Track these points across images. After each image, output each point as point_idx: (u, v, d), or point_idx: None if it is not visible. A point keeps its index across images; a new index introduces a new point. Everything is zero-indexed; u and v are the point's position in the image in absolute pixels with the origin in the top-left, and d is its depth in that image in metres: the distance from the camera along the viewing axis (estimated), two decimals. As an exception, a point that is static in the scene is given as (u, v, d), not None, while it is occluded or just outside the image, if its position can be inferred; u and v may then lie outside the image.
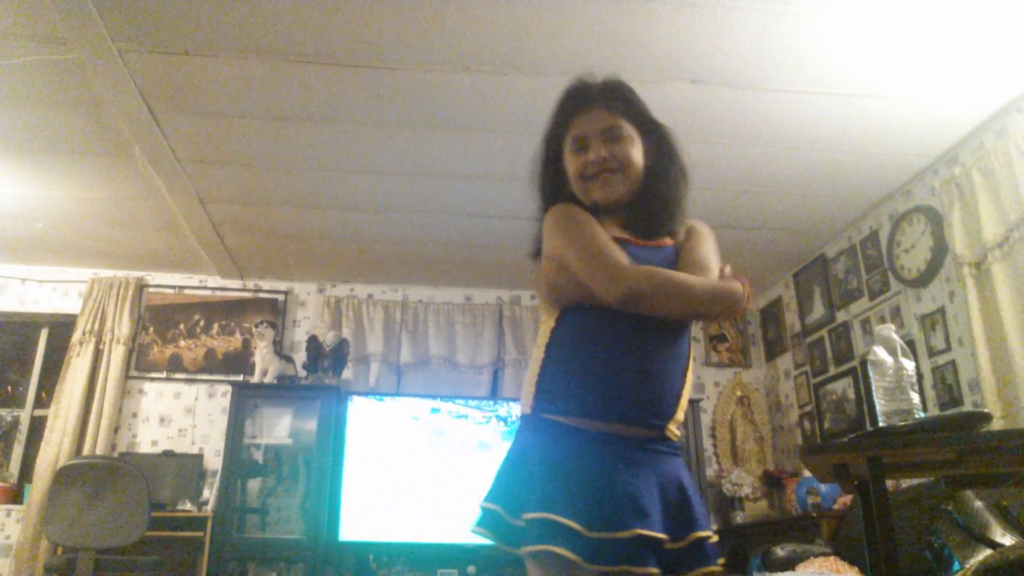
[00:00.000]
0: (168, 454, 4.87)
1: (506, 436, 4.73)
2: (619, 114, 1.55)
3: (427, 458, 4.65)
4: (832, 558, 3.42)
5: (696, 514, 1.36)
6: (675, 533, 1.32)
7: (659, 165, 1.57)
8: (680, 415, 1.44)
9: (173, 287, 5.39)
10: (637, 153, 1.54)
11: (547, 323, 1.49)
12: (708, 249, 1.53)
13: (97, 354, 5.00)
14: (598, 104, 1.56)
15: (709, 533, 1.36)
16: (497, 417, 4.81)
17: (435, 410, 4.80)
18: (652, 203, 1.54)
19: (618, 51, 3.06)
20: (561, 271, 1.46)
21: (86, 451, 4.73)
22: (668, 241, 1.55)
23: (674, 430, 1.43)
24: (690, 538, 1.33)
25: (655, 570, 1.27)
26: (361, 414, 4.72)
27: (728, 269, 1.50)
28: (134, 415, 5.06)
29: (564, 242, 1.45)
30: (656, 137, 1.59)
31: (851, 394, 4.54)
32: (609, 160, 1.51)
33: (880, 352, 1.89)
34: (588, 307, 1.42)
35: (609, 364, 1.38)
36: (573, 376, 1.40)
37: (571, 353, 1.42)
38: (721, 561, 1.38)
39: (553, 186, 1.60)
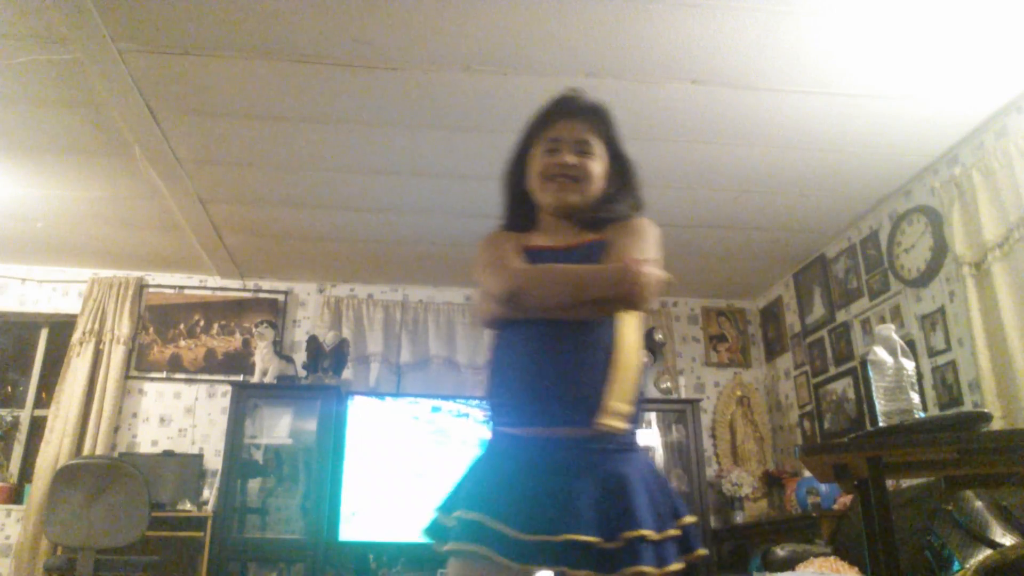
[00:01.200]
0: (168, 454, 4.87)
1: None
2: (596, 133, 1.62)
3: (428, 458, 4.65)
4: (832, 558, 3.42)
5: (636, 513, 1.33)
6: (609, 534, 1.30)
7: (616, 193, 1.63)
8: (614, 406, 1.40)
9: (173, 287, 5.39)
10: (600, 172, 1.60)
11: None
12: (634, 240, 1.53)
13: (97, 354, 5.00)
14: (580, 117, 1.63)
15: (646, 532, 1.31)
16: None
17: (436, 409, 4.80)
18: (595, 213, 1.60)
19: (618, 51, 3.06)
20: (481, 292, 1.55)
21: (86, 451, 4.73)
22: (594, 237, 1.57)
23: (613, 424, 1.40)
24: (623, 538, 1.30)
25: (588, 572, 1.27)
26: (361, 414, 4.72)
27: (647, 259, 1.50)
28: (134, 415, 5.06)
29: (479, 267, 1.54)
30: (622, 167, 1.66)
31: (851, 394, 4.54)
32: (573, 168, 1.57)
33: (880, 352, 1.89)
34: (509, 323, 1.49)
35: (526, 372, 1.44)
36: (503, 388, 1.47)
37: (499, 368, 1.50)
38: (681, 564, 1.35)
39: (514, 180, 1.67)
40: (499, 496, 1.34)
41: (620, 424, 1.41)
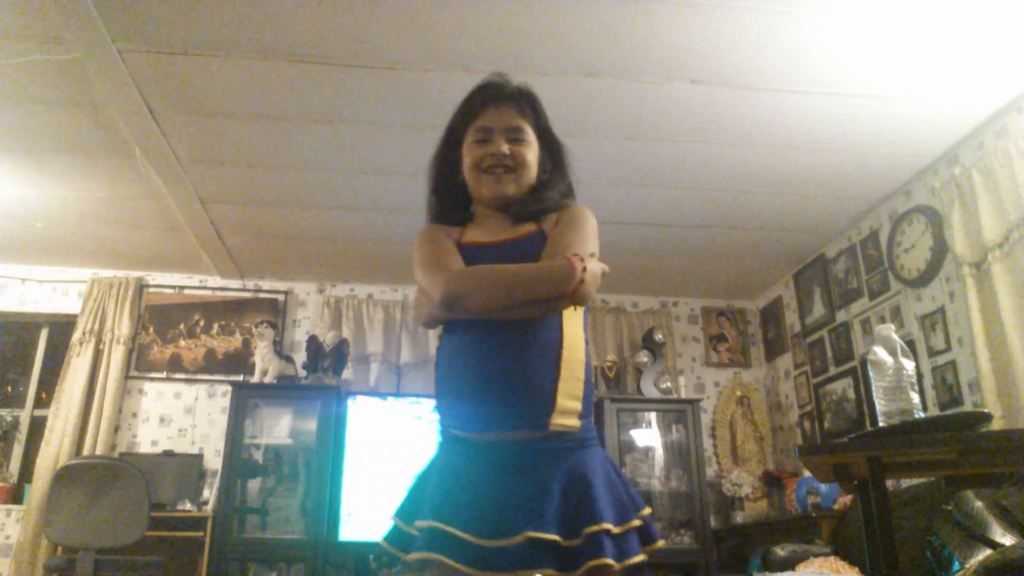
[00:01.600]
0: (168, 454, 4.87)
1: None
2: (526, 118, 1.59)
3: (428, 458, 4.64)
4: (832, 558, 3.42)
5: (596, 507, 1.32)
6: (570, 530, 1.30)
7: (550, 179, 1.61)
8: (566, 404, 1.39)
9: (173, 287, 5.39)
10: (533, 159, 1.57)
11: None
12: (572, 234, 1.48)
13: (97, 354, 5.00)
14: (509, 103, 1.60)
15: (607, 526, 1.30)
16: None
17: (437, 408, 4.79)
18: (529, 203, 1.57)
19: (618, 51, 3.06)
20: (419, 292, 1.52)
21: (86, 451, 4.73)
22: (531, 228, 1.54)
23: (566, 423, 1.39)
24: (584, 533, 1.29)
25: (550, 571, 1.27)
26: (362, 414, 4.72)
27: (585, 253, 1.44)
28: (134, 415, 5.06)
29: (416, 266, 1.51)
30: (553, 151, 1.63)
31: (851, 394, 4.54)
32: (507, 158, 1.54)
33: (880, 352, 1.89)
34: (455, 325, 1.47)
35: (474, 374, 1.41)
36: (451, 392, 1.45)
37: (446, 371, 1.47)
38: (642, 556, 1.35)
39: (444, 172, 1.63)
40: (456, 502, 1.33)
41: (572, 422, 1.40)
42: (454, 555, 1.28)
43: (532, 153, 1.57)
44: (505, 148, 1.53)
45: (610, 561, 1.28)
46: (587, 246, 1.47)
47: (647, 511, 1.41)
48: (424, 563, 1.31)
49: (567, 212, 1.55)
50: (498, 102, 1.59)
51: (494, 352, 1.40)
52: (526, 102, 1.61)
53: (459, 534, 1.28)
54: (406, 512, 1.42)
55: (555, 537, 1.28)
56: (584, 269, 1.37)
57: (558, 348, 1.42)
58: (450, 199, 1.63)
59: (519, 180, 1.55)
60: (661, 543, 1.41)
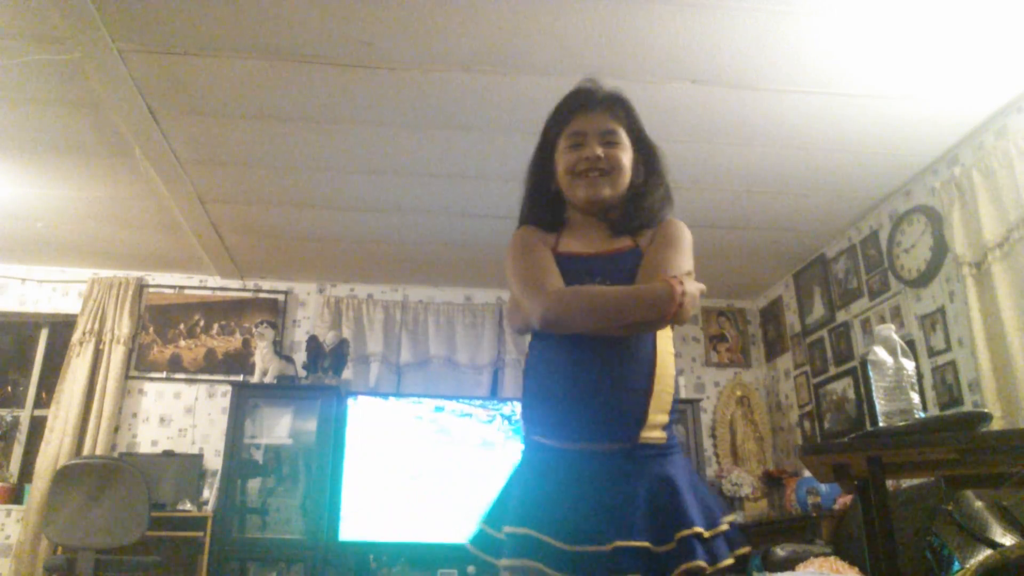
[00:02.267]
0: (168, 454, 4.87)
1: (510, 435, 4.74)
2: (619, 122, 1.59)
3: (428, 457, 4.65)
4: (832, 558, 3.42)
5: (686, 512, 1.34)
6: (660, 537, 1.31)
7: (646, 182, 1.60)
8: (656, 419, 1.41)
9: (173, 287, 5.39)
10: (628, 162, 1.57)
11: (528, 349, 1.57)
12: (669, 252, 1.49)
13: (97, 354, 5.00)
14: (601, 107, 1.59)
15: (697, 529, 1.32)
16: (501, 416, 4.81)
17: (439, 408, 4.80)
18: (628, 214, 1.56)
19: (618, 51, 3.07)
20: (514, 299, 1.54)
21: (86, 451, 4.73)
22: (628, 244, 1.54)
23: (654, 435, 1.41)
24: (676, 538, 1.31)
25: None
26: (362, 414, 4.72)
27: (682, 274, 1.44)
28: (134, 415, 5.06)
29: (511, 273, 1.52)
30: (648, 154, 1.62)
31: (851, 394, 4.54)
32: (601, 160, 1.53)
33: (880, 352, 1.88)
34: (547, 334, 1.46)
35: (566, 385, 1.42)
36: (542, 401, 1.46)
37: (538, 379, 1.48)
38: (731, 559, 1.35)
39: (540, 180, 1.63)
40: (546, 510, 1.35)
41: (659, 434, 1.41)
42: (546, 560, 1.29)
43: (626, 156, 1.57)
44: (599, 151, 1.53)
45: (703, 564, 1.29)
46: (683, 264, 1.47)
47: (733, 516, 1.42)
48: (517, 569, 1.33)
49: (663, 228, 1.55)
50: (590, 107, 1.59)
51: (588, 364, 1.41)
52: (618, 106, 1.61)
53: (550, 541, 1.30)
54: (494, 518, 1.42)
55: (645, 544, 1.29)
56: (683, 293, 1.37)
57: (652, 363, 1.43)
58: (545, 206, 1.63)
59: (614, 183, 1.54)
60: (747, 549, 1.40)
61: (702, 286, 1.45)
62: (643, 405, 1.40)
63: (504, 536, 1.36)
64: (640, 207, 1.56)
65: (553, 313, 1.39)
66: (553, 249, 1.54)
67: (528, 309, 1.43)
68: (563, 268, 1.48)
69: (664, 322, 1.40)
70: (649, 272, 1.44)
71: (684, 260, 1.48)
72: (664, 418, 1.42)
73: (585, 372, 1.41)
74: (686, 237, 1.53)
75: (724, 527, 1.37)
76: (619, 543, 1.28)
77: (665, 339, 1.48)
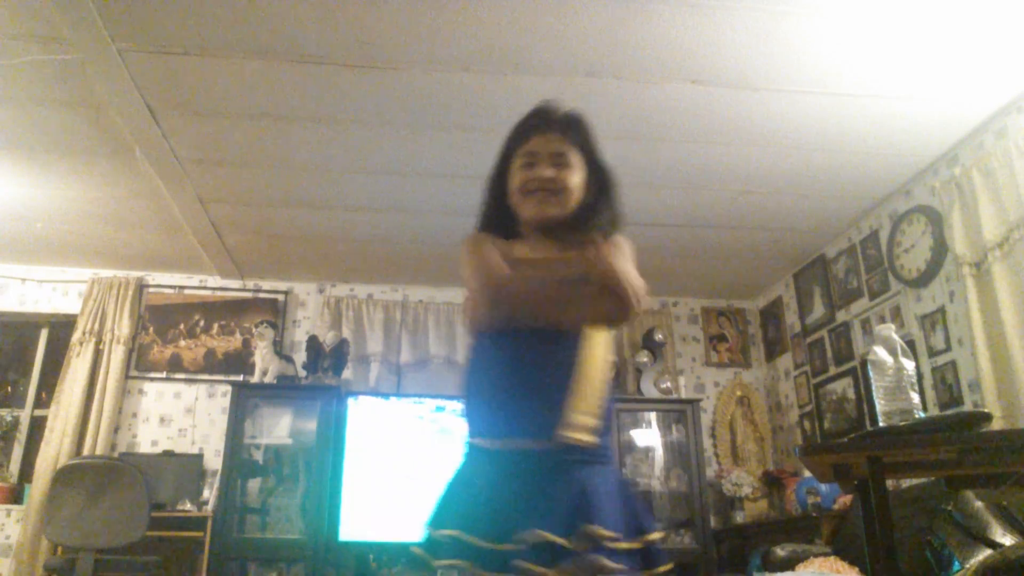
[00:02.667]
0: (168, 454, 4.87)
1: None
2: (572, 143, 1.63)
3: (428, 457, 4.65)
4: (832, 558, 3.42)
5: (603, 517, 1.34)
6: (574, 535, 1.32)
7: (595, 202, 1.63)
8: (581, 420, 1.42)
9: (173, 287, 5.39)
10: (578, 183, 1.61)
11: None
12: (616, 256, 1.56)
13: (97, 354, 5.00)
14: (556, 129, 1.64)
15: (607, 534, 1.32)
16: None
17: (440, 408, 4.80)
18: (575, 230, 1.60)
19: (618, 51, 3.06)
20: (469, 297, 1.61)
21: (86, 451, 4.73)
22: (571, 256, 1.59)
23: (578, 436, 1.42)
24: (587, 539, 1.32)
25: (551, 572, 1.30)
26: (362, 414, 4.72)
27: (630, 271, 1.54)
28: (134, 415, 5.06)
29: (465, 267, 1.58)
30: (600, 176, 1.65)
31: (851, 394, 4.54)
32: (551, 182, 1.58)
33: (880, 352, 1.89)
34: (484, 334, 1.54)
35: (495, 383, 1.49)
36: (474, 400, 1.53)
37: (472, 378, 1.55)
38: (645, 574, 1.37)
39: (495, 195, 1.68)
40: (473, 510, 1.40)
41: (586, 437, 1.43)
42: (474, 559, 1.34)
43: (576, 177, 1.60)
44: (549, 172, 1.58)
45: (613, 566, 1.31)
46: (629, 268, 1.54)
47: (656, 535, 1.42)
48: (449, 568, 1.39)
49: (608, 241, 1.59)
50: (545, 128, 1.64)
51: (517, 362, 1.47)
52: (573, 128, 1.65)
53: (475, 541, 1.35)
54: (435, 521, 1.47)
55: (562, 541, 1.31)
56: (625, 272, 1.50)
57: (577, 363, 1.47)
58: (500, 219, 1.67)
59: (562, 203, 1.59)
60: (665, 568, 1.41)
61: (647, 289, 1.54)
62: (562, 401, 1.43)
63: (437, 538, 1.42)
64: (587, 224, 1.60)
65: (503, 283, 1.49)
66: (504, 255, 1.58)
67: (477, 293, 1.53)
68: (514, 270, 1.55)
69: (613, 303, 1.49)
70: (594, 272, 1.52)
71: (632, 270, 1.55)
72: (591, 421, 1.44)
73: (514, 370, 1.47)
74: (631, 250, 1.60)
75: (636, 544, 1.38)
76: (537, 536, 1.31)
77: (598, 345, 1.52)
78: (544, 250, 1.61)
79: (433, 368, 5.30)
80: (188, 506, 4.53)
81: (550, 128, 1.64)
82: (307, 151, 3.82)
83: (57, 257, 5.16)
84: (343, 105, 3.43)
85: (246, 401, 4.69)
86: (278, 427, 4.80)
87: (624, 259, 1.56)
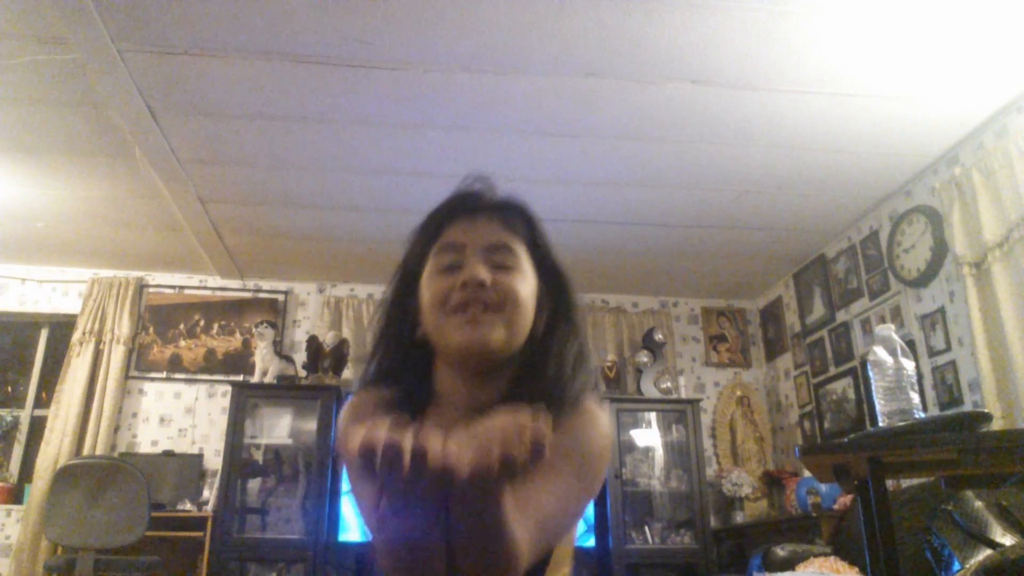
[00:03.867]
0: (168, 454, 4.87)
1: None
2: (515, 234, 1.07)
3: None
4: (832, 558, 3.42)
5: None
6: None
7: (553, 333, 1.05)
8: None
9: (173, 287, 5.39)
10: (529, 296, 1.03)
11: None
12: (563, 481, 0.92)
13: (97, 354, 5.00)
14: (489, 213, 1.08)
15: None
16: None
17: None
18: (523, 387, 1.00)
19: (618, 51, 3.06)
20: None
21: (86, 451, 4.73)
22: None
23: None
24: None
25: None
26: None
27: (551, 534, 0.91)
28: (134, 415, 5.06)
29: (348, 474, 1.05)
30: (557, 289, 1.08)
31: (851, 394, 4.54)
32: (488, 291, 0.99)
33: (880, 352, 1.89)
34: None
35: None
36: None
37: None
38: None
39: (397, 322, 1.09)
40: None
41: None
42: None
43: (526, 286, 1.03)
44: (483, 273, 1.00)
45: None
46: (571, 508, 0.94)
47: None
48: None
49: (573, 425, 0.97)
50: (473, 212, 1.09)
51: None
52: (515, 213, 1.10)
53: None
54: None
55: None
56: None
57: None
58: (404, 361, 1.08)
59: (510, 325, 1.00)
60: None
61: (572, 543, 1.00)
62: None
63: None
64: (541, 376, 1.00)
65: (392, 553, 0.85)
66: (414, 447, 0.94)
67: (374, 548, 0.90)
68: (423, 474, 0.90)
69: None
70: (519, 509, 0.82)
71: (577, 502, 0.94)
72: None
73: None
74: (604, 453, 0.99)
75: None
76: None
77: None
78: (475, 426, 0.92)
79: (433, 368, 5.29)
80: (188, 506, 4.53)
81: (481, 211, 1.09)
82: (307, 151, 3.82)
83: (57, 257, 5.16)
84: (343, 105, 3.43)
85: (246, 401, 4.69)
86: (278, 427, 4.80)
87: (582, 493, 0.94)
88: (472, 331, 0.98)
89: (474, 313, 0.98)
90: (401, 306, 1.09)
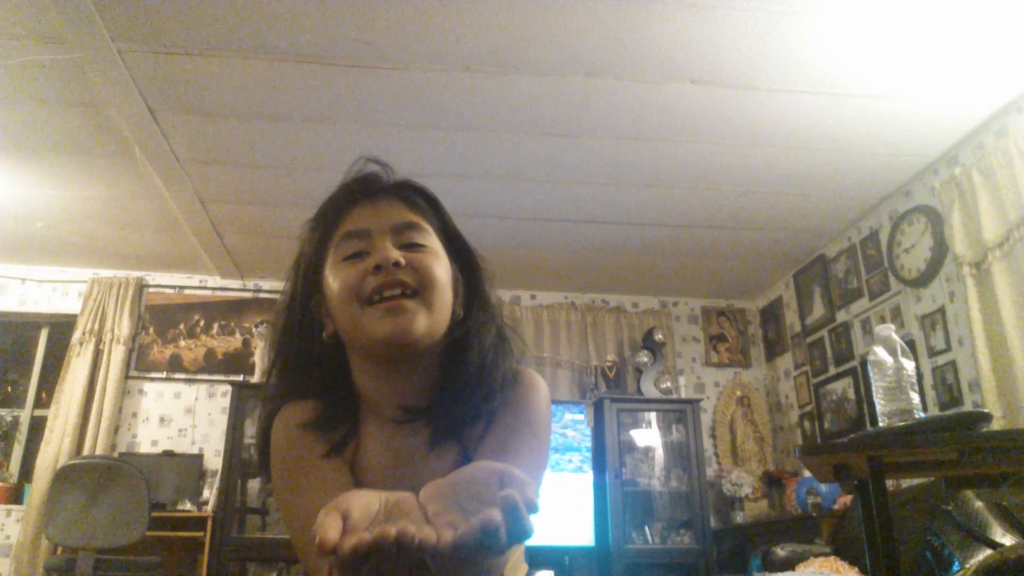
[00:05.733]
0: (168, 454, 4.87)
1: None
2: (421, 213, 1.01)
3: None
4: (832, 558, 3.42)
5: None
6: None
7: (472, 318, 1.00)
8: None
9: (173, 287, 5.39)
10: (445, 276, 0.97)
11: None
12: (516, 450, 0.91)
13: (97, 354, 5.00)
14: (390, 195, 1.02)
15: None
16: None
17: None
18: (449, 391, 0.96)
19: (618, 51, 3.06)
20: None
21: (86, 451, 4.72)
22: (449, 449, 0.96)
23: None
24: None
25: None
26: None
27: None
28: (134, 415, 5.06)
29: (279, 503, 0.97)
30: (469, 272, 1.04)
31: (851, 394, 4.54)
32: (404, 270, 0.93)
33: (880, 352, 1.89)
34: None
35: None
36: None
37: None
38: None
39: (300, 328, 1.01)
40: None
41: None
42: None
43: (441, 266, 0.97)
44: (395, 254, 0.93)
45: None
46: (532, 472, 0.89)
47: None
48: None
49: (513, 399, 0.96)
50: (372, 196, 1.01)
51: None
52: (416, 193, 1.04)
53: None
54: None
55: None
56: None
57: None
58: (318, 370, 1.00)
59: (431, 310, 0.94)
60: None
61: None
62: None
63: None
64: (466, 366, 0.97)
65: None
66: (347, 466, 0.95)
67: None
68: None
69: None
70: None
71: (535, 465, 0.91)
72: None
73: None
74: (545, 419, 0.97)
75: None
76: None
77: None
78: (402, 446, 0.95)
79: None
80: (188, 506, 4.53)
81: (379, 195, 1.01)
82: (307, 151, 3.82)
83: (57, 257, 5.16)
84: (343, 105, 3.43)
85: (246, 401, 4.68)
86: (278, 427, 4.79)
87: (535, 458, 0.92)
88: (394, 320, 0.91)
89: (394, 300, 0.92)
90: (303, 305, 1.01)
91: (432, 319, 0.93)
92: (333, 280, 0.95)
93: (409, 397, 0.96)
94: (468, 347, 0.97)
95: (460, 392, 0.95)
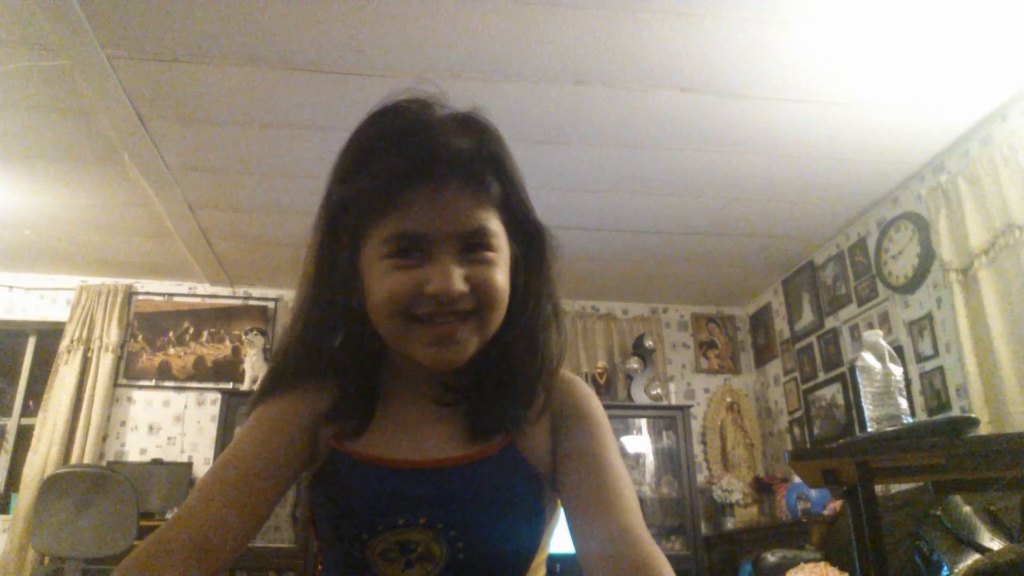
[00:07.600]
0: (157, 463, 4.84)
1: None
2: (489, 202, 0.84)
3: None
4: (822, 563, 3.43)
5: None
6: None
7: (528, 307, 0.88)
8: None
9: (162, 294, 5.36)
10: (505, 282, 0.85)
11: None
12: (607, 453, 0.86)
13: (85, 362, 4.97)
14: (457, 175, 0.82)
15: None
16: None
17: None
18: (493, 382, 0.88)
19: (607, 59, 3.08)
20: None
21: (74, 460, 4.69)
22: (494, 445, 0.87)
23: None
24: None
25: None
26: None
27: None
28: (122, 423, 5.02)
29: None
30: (531, 243, 0.91)
31: (840, 400, 4.56)
32: (466, 298, 0.81)
33: (868, 358, 1.90)
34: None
35: None
36: None
37: None
38: None
39: (325, 289, 0.89)
40: None
41: None
42: None
43: (503, 273, 0.84)
44: (459, 285, 0.80)
45: None
46: (624, 473, 0.85)
47: None
48: None
49: (573, 401, 0.90)
50: (433, 174, 0.81)
51: None
52: (487, 163, 0.86)
53: None
54: None
55: None
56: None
57: None
58: (356, 353, 0.88)
59: (484, 329, 0.84)
60: None
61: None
62: None
63: None
64: (509, 368, 0.88)
65: None
66: (337, 445, 0.88)
67: None
68: (383, 487, 0.85)
69: None
70: (583, 496, 0.80)
71: (622, 466, 0.86)
72: None
73: None
74: (601, 409, 0.92)
75: None
76: None
77: None
78: (434, 431, 0.88)
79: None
80: (177, 515, 4.50)
81: (446, 174, 0.81)
82: (297, 158, 3.81)
83: (45, 264, 5.13)
84: (333, 112, 3.43)
85: (236, 409, 4.66)
86: (268, 435, 4.77)
87: (619, 459, 0.87)
88: (443, 350, 0.81)
89: (447, 327, 0.81)
90: (329, 277, 0.88)
91: (484, 336, 0.84)
92: (374, 281, 0.82)
93: (449, 382, 0.89)
94: (519, 341, 0.87)
95: (511, 374, 0.87)
